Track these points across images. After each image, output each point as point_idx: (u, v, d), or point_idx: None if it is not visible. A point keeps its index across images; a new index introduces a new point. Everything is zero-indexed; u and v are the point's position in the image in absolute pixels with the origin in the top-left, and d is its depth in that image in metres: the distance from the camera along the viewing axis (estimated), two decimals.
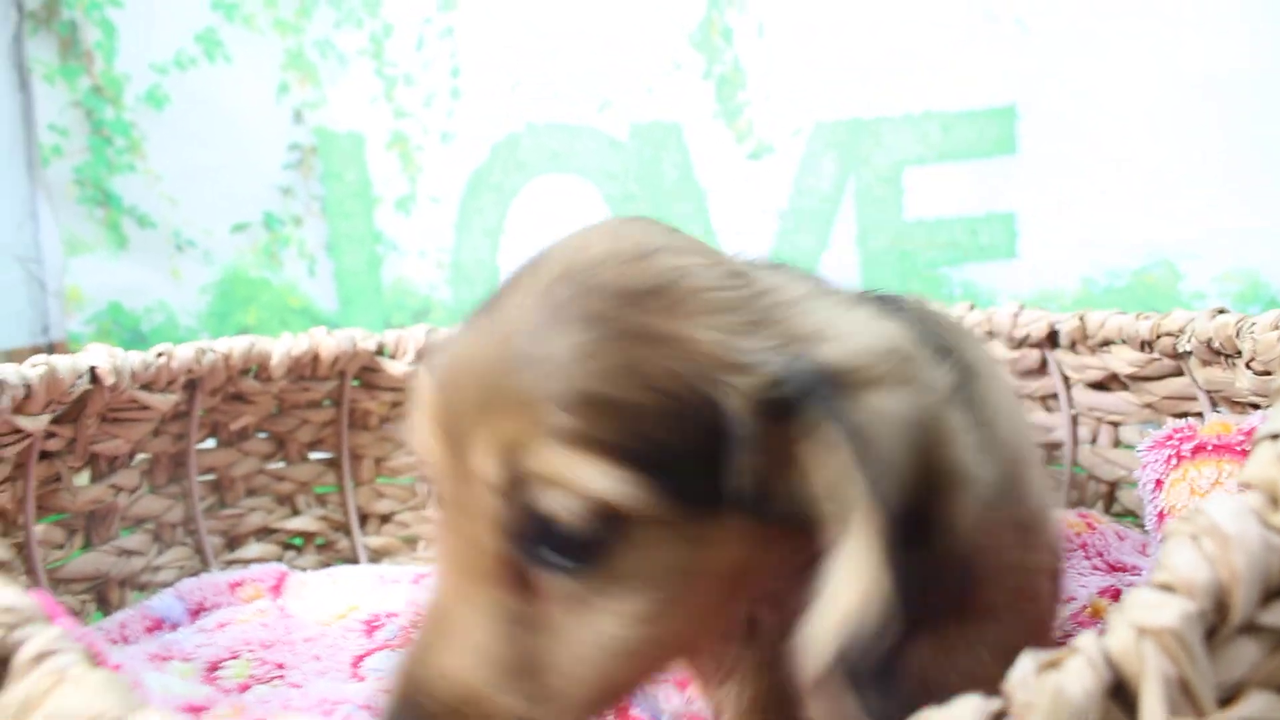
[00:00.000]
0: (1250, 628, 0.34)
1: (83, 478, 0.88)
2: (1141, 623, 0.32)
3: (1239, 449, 0.70)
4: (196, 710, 0.58)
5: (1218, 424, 0.72)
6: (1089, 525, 0.83)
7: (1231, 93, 1.38)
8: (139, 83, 1.56)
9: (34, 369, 0.69)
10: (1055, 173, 1.47)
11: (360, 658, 0.70)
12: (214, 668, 0.69)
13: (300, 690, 0.62)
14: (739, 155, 1.53)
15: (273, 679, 0.66)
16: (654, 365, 0.44)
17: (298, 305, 1.62)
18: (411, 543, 1.14)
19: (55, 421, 0.79)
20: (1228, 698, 0.33)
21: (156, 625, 0.80)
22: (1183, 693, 0.32)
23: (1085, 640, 0.33)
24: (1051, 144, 1.46)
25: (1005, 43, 1.44)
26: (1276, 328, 0.68)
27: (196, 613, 0.83)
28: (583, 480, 0.42)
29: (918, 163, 1.50)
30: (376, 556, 1.12)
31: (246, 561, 1.03)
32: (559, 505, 0.43)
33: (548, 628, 0.45)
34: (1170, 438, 0.73)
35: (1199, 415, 0.86)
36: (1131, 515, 0.94)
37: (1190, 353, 0.79)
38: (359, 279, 1.61)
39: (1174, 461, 0.72)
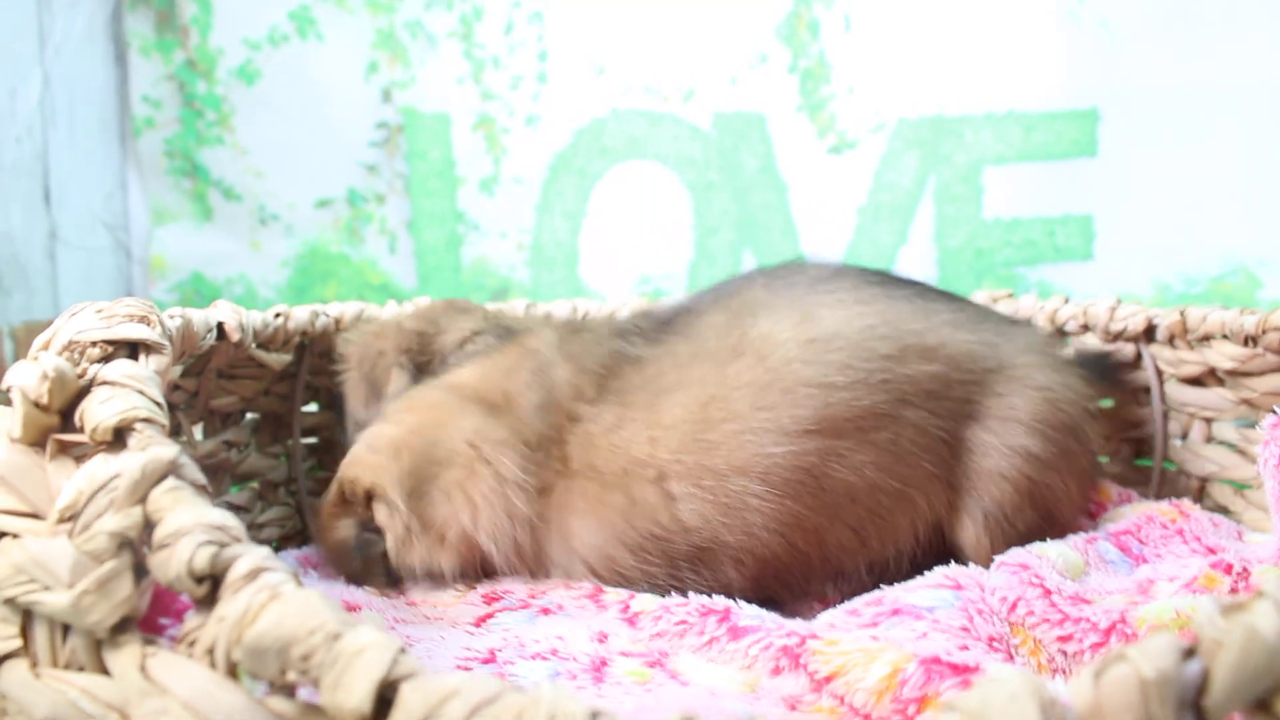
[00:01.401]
0: None
1: (197, 432, 0.91)
2: None
3: None
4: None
5: None
6: (1181, 513, 0.84)
7: None
8: (232, 58, 1.59)
9: (172, 320, 0.72)
10: (1134, 177, 1.48)
11: (482, 619, 0.72)
12: None
13: (430, 660, 0.64)
14: (820, 149, 1.54)
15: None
16: None
17: (377, 282, 1.64)
18: None
19: (182, 375, 0.82)
20: None
21: None
22: None
23: (1268, 584, 0.34)
24: (1131, 148, 1.47)
25: (1088, 45, 1.45)
26: None
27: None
28: None
29: (997, 162, 1.51)
30: None
31: None
32: None
33: None
34: None
35: None
36: (1224, 510, 0.95)
37: None
38: (439, 258, 1.63)
39: None
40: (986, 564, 0.72)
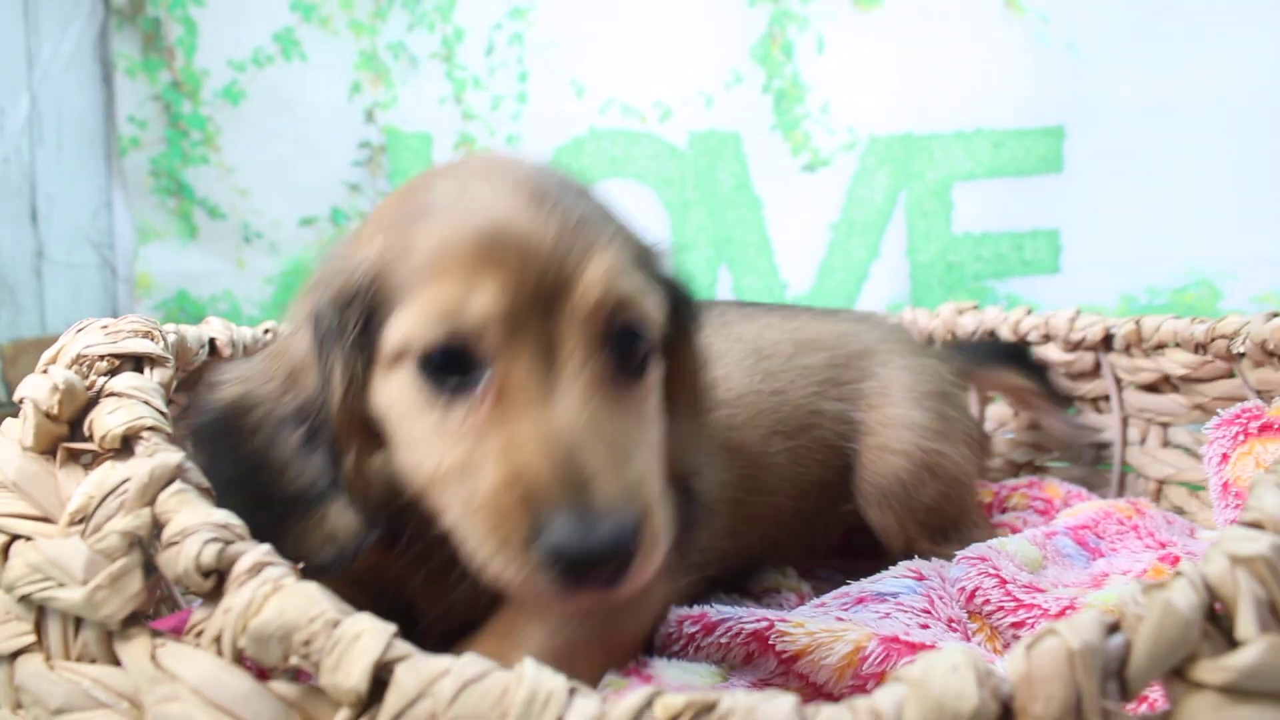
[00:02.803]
0: None
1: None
2: (1235, 553, 0.37)
3: None
4: None
5: None
6: (1137, 510, 0.88)
7: (1274, 122, 1.43)
8: (217, 79, 1.62)
9: (167, 336, 0.75)
10: (1100, 192, 1.52)
11: None
12: None
13: None
14: (794, 167, 1.58)
15: None
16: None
17: None
18: None
19: (175, 389, 0.85)
20: None
21: None
22: (1272, 613, 0.37)
23: (1185, 567, 0.38)
24: (1097, 164, 1.51)
25: (1054, 65, 1.50)
26: None
27: None
28: (651, 301, 0.55)
29: (967, 178, 1.55)
30: None
31: None
32: (641, 318, 0.55)
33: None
34: (1239, 416, 0.78)
35: None
36: (1179, 511, 0.98)
37: (1244, 354, 0.84)
38: None
39: (1241, 438, 0.77)
40: (901, 543, 0.79)
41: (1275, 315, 0.81)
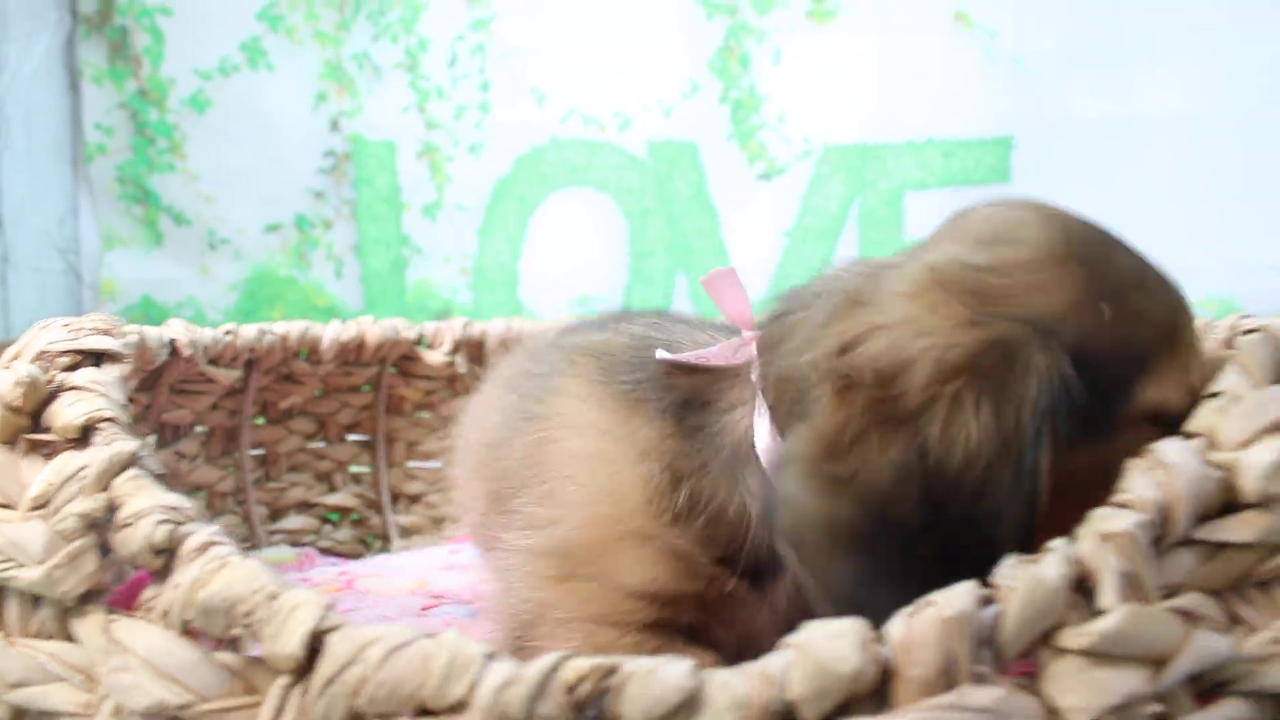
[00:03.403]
0: (1188, 541, 0.43)
1: (149, 442, 0.96)
2: (1102, 530, 0.41)
3: None
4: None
5: None
6: None
7: (1213, 130, 1.48)
8: (184, 87, 1.64)
9: (128, 336, 0.77)
10: (1045, 200, 1.56)
11: (427, 608, 0.78)
12: None
13: None
14: (750, 175, 1.62)
15: None
16: None
17: (323, 305, 1.70)
18: (438, 522, 1.22)
19: (137, 389, 0.87)
20: (1168, 595, 0.42)
21: None
22: (1132, 585, 0.40)
23: (1057, 542, 0.42)
24: (1044, 175, 1.56)
25: (1003, 78, 1.54)
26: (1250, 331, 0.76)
27: None
28: None
29: (918, 187, 1.59)
30: (406, 533, 1.20)
31: (288, 531, 1.11)
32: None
33: None
34: None
35: None
36: None
37: None
38: (384, 281, 1.69)
39: None
40: None
41: None
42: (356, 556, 1.16)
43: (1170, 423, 0.50)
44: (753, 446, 0.58)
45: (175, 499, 0.48)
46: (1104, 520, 0.42)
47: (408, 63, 1.65)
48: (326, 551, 1.14)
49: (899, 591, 0.44)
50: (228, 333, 0.96)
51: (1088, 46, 1.53)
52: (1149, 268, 0.59)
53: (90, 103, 1.64)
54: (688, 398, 0.63)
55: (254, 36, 1.64)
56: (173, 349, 0.88)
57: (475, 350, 1.21)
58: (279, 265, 1.70)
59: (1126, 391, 0.54)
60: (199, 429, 1.03)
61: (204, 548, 0.46)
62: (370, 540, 1.19)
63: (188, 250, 1.69)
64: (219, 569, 0.44)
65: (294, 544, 1.10)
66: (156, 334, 0.84)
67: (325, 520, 1.17)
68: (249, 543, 1.07)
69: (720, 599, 0.60)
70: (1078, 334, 0.53)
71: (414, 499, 1.22)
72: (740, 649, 0.56)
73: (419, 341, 1.19)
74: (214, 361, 0.95)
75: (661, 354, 0.64)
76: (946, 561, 0.46)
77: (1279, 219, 1.49)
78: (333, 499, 1.17)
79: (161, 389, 0.91)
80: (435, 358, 1.18)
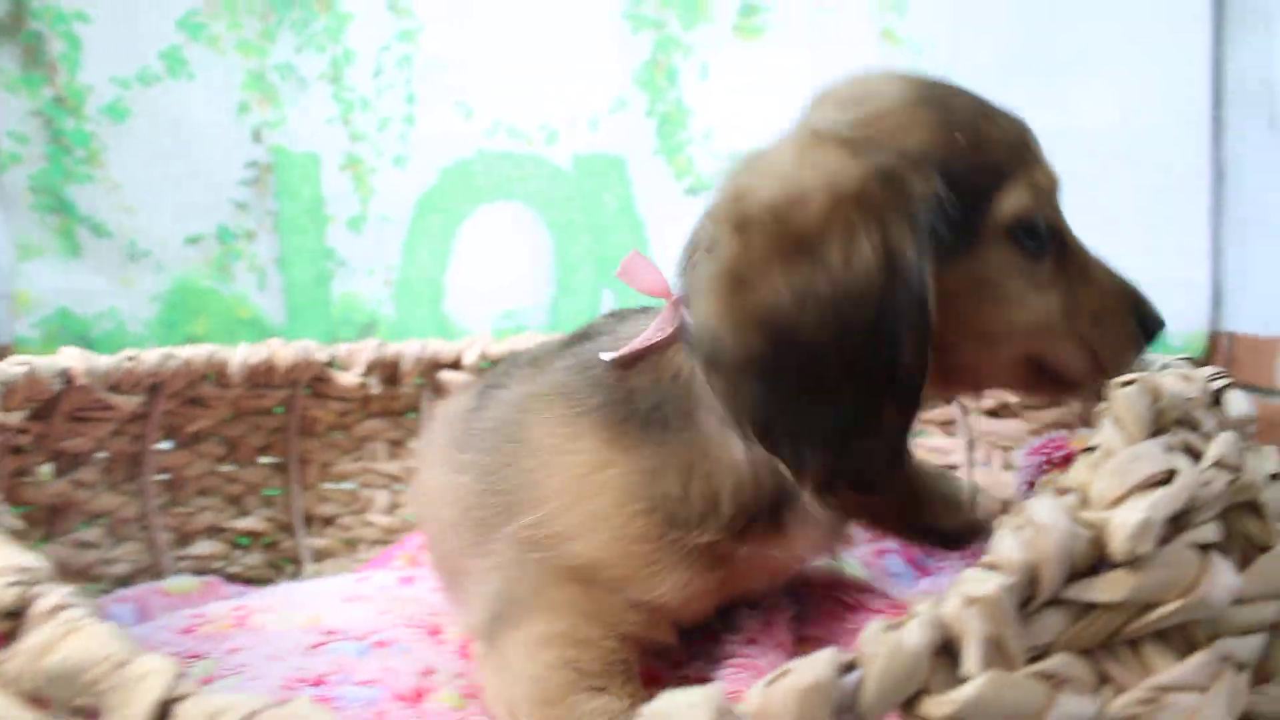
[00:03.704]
0: (1057, 601, 0.42)
1: (46, 471, 0.94)
2: (968, 593, 0.41)
3: None
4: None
5: (1085, 438, 0.81)
6: None
7: (1125, 154, 1.49)
8: (101, 95, 1.60)
9: (17, 368, 0.75)
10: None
11: (317, 645, 0.76)
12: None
13: (259, 681, 0.69)
14: (678, 190, 1.61)
15: (234, 674, 0.72)
16: None
17: (246, 317, 1.67)
18: (352, 545, 1.20)
19: (28, 418, 0.85)
20: (1036, 656, 0.41)
21: None
22: (997, 650, 0.40)
23: (922, 606, 0.41)
24: None
25: None
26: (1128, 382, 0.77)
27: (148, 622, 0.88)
28: None
29: None
30: (319, 556, 1.19)
31: (197, 557, 1.09)
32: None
33: None
34: (1045, 446, 0.82)
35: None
36: None
37: None
38: (308, 293, 1.66)
39: (1046, 467, 0.81)
40: None
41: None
42: (267, 582, 1.14)
43: (1028, 229, 0.65)
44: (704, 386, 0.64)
45: (28, 559, 0.47)
46: (970, 583, 0.41)
47: (332, 74, 1.62)
48: (234, 579, 1.12)
49: (811, 415, 0.56)
50: (129, 359, 0.94)
51: (1024, 59, 1.53)
52: (989, 103, 0.71)
53: (3, 110, 1.60)
54: (650, 400, 0.67)
55: (174, 45, 1.61)
56: (67, 377, 0.85)
57: (389, 371, 1.19)
58: (201, 277, 1.67)
59: (987, 202, 0.64)
60: (100, 455, 1.00)
61: (55, 611, 0.44)
62: (282, 564, 1.17)
63: (107, 262, 1.65)
64: (68, 634, 0.43)
65: (201, 571, 1.08)
66: (49, 364, 0.82)
67: (235, 545, 1.14)
68: (152, 571, 1.04)
69: (751, 547, 0.66)
70: (941, 161, 0.62)
71: (328, 521, 1.21)
72: (772, 582, 0.71)
73: (331, 363, 1.17)
74: (114, 388, 0.93)
75: (605, 356, 0.69)
76: (853, 381, 0.57)
77: (1189, 234, 1.50)
78: (243, 523, 1.15)
79: (57, 417, 0.89)
80: (348, 379, 1.16)
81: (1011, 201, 0.64)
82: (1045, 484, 0.78)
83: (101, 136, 1.62)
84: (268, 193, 1.65)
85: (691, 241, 0.67)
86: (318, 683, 0.68)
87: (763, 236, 0.58)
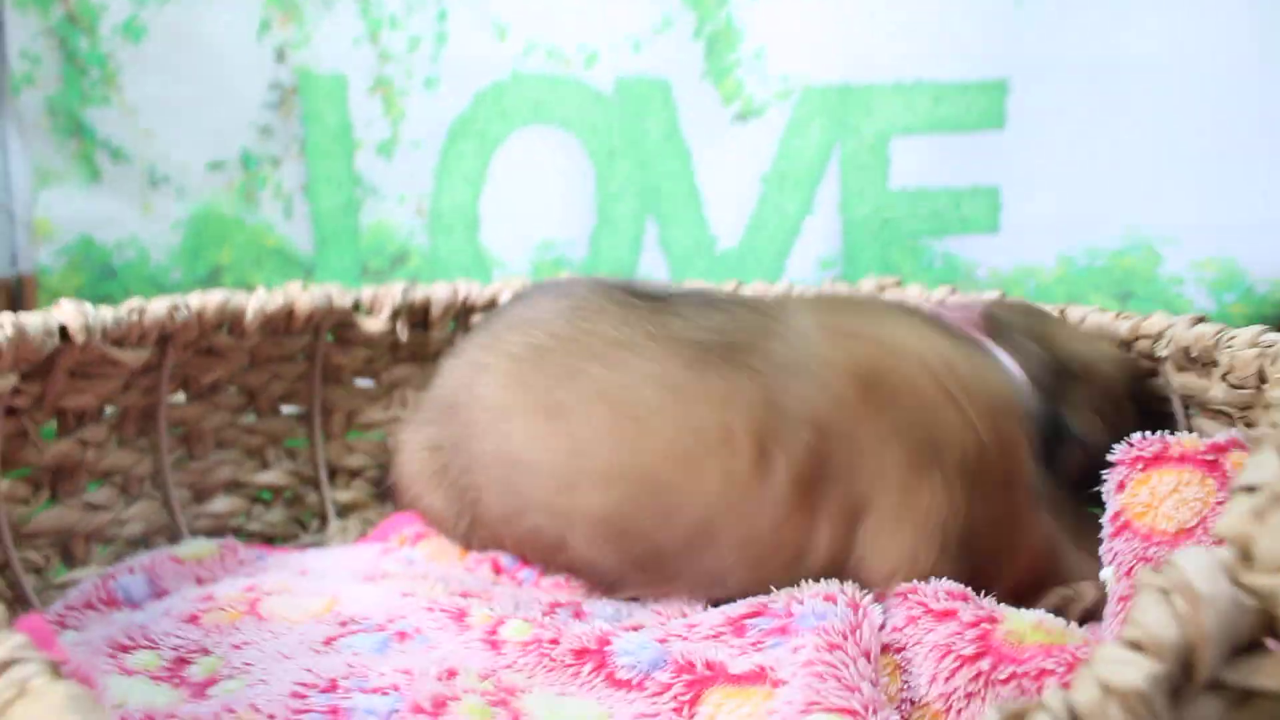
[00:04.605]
0: (1215, 685, 0.34)
1: (49, 430, 0.87)
2: (1108, 681, 0.33)
3: (1200, 459, 0.70)
4: None
5: (1187, 441, 0.73)
6: None
7: (1224, 84, 1.38)
8: (116, 13, 1.52)
9: (0, 330, 0.68)
10: (1041, 150, 1.46)
11: (331, 639, 0.70)
12: (181, 662, 0.68)
13: (266, 685, 0.62)
14: (726, 116, 1.51)
15: (240, 674, 0.65)
16: None
17: (273, 246, 1.60)
18: (381, 498, 1.13)
19: (24, 378, 0.78)
20: None
21: (114, 602, 0.79)
22: None
23: (1051, 694, 0.33)
24: (1040, 120, 1.45)
25: (999, 15, 1.43)
26: (1254, 345, 0.68)
27: (160, 595, 0.82)
28: None
29: (905, 132, 1.49)
30: (345, 511, 1.12)
31: (215, 515, 1.02)
32: None
33: None
34: (1141, 444, 0.74)
35: (1170, 415, 0.87)
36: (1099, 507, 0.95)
37: (1167, 357, 0.79)
38: (336, 222, 1.59)
39: (1140, 465, 0.72)
40: None
41: (1200, 320, 0.76)
42: (291, 539, 1.08)
43: None
44: None
45: None
46: (1109, 666, 0.33)
47: None
48: (254, 537, 1.05)
49: None
50: (132, 311, 0.87)
51: None
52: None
53: (13, 29, 1.52)
54: None
55: None
56: (64, 334, 0.78)
57: (419, 315, 1.12)
58: (225, 204, 1.59)
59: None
60: (108, 411, 0.93)
61: (2, 668, 0.37)
62: (306, 519, 1.10)
63: (127, 188, 1.58)
64: (15, 698, 0.36)
65: (219, 529, 1.02)
66: (40, 320, 0.75)
67: (256, 500, 1.08)
68: (169, 530, 0.98)
69: None
70: None
71: (354, 473, 1.14)
72: None
73: (355, 308, 1.09)
74: (119, 342, 0.86)
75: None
76: None
77: None
78: (264, 477, 1.08)
79: (57, 375, 0.82)
80: (374, 325, 1.09)
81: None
82: (1140, 484, 0.70)
83: (117, 57, 1.53)
84: (293, 116, 1.56)
85: None
86: (329, 689, 0.61)
87: None
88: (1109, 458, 0.74)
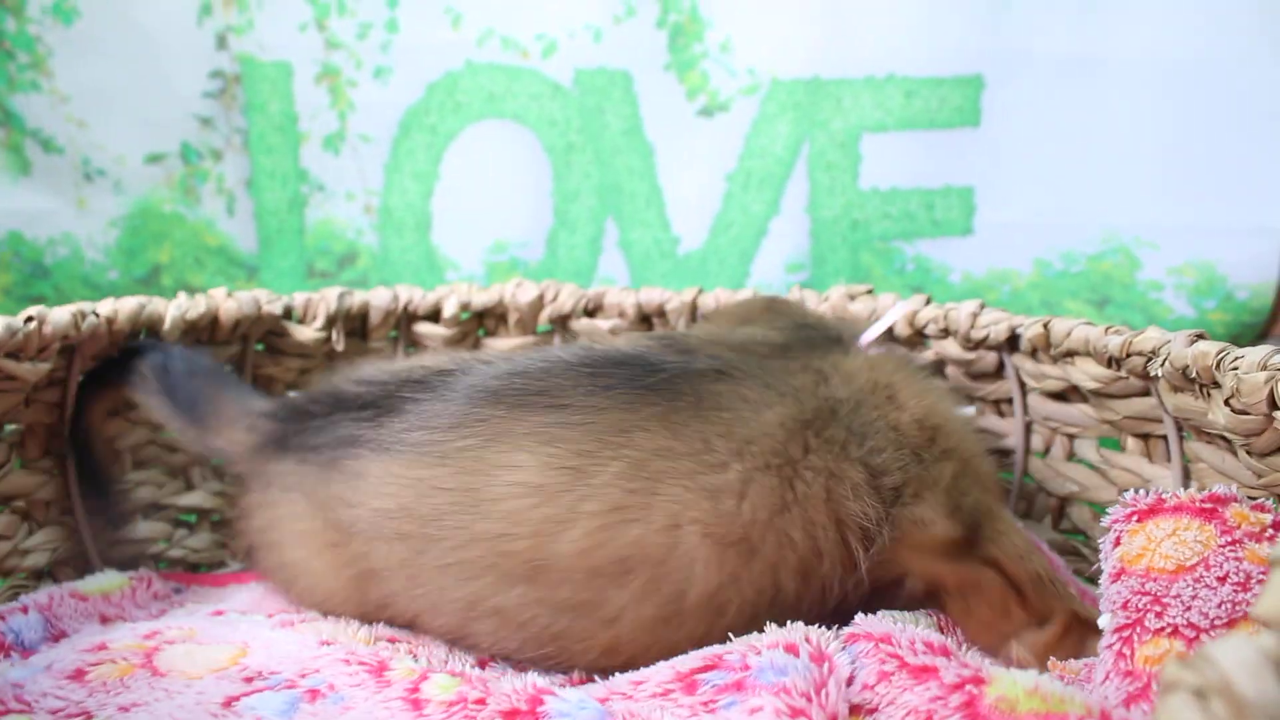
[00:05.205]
0: None
1: None
2: None
3: (1198, 508, 0.64)
4: None
5: (1183, 494, 0.67)
6: None
7: (1207, 85, 1.32)
8: None
9: None
10: (1017, 149, 1.40)
11: (231, 700, 0.62)
12: None
13: None
14: (689, 111, 1.44)
15: None
16: None
17: (214, 244, 1.52)
18: None
19: None
20: None
21: (4, 651, 0.71)
22: None
23: None
24: (1016, 119, 1.39)
25: (976, 11, 1.36)
26: (1264, 367, 0.62)
27: (58, 638, 0.74)
28: None
29: (877, 129, 1.42)
30: None
31: (132, 541, 0.95)
32: None
33: None
34: (1134, 500, 0.68)
35: (1162, 438, 0.81)
36: (1081, 534, 0.89)
37: (1160, 377, 0.73)
38: (281, 219, 1.51)
39: (1135, 519, 0.66)
40: None
41: (1199, 338, 0.70)
42: (216, 566, 1.00)
43: None
44: None
45: None
46: None
47: None
48: (176, 564, 0.98)
49: None
50: (29, 319, 0.79)
51: None
52: None
53: None
54: None
55: None
56: None
57: (356, 323, 1.04)
58: (164, 200, 1.51)
59: None
60: (9, 429, 0.85)
61: None
62: (233, 544, 1.03)
63: (59, 182, 1.49)
64: None
65: (136, 557, 0.93)
66: None
67: (178, 525, 1.00)
68: (79, 561, 0.90)
69: None
70: None
71: None
72: None
73: (287, 315, 1.01)
74: (14, 355, 0.78)
75: None
76: None
77: (1267, 176, 1.34)
78: (187, 499, 1.00)
79: None
80: (307, 334, 1.01)
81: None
82: (1134, 533, 0.63)
83: (47, 40, 1.45)
84: (235, 106, 1.48)
85: None
86: None
87: None
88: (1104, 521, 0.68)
